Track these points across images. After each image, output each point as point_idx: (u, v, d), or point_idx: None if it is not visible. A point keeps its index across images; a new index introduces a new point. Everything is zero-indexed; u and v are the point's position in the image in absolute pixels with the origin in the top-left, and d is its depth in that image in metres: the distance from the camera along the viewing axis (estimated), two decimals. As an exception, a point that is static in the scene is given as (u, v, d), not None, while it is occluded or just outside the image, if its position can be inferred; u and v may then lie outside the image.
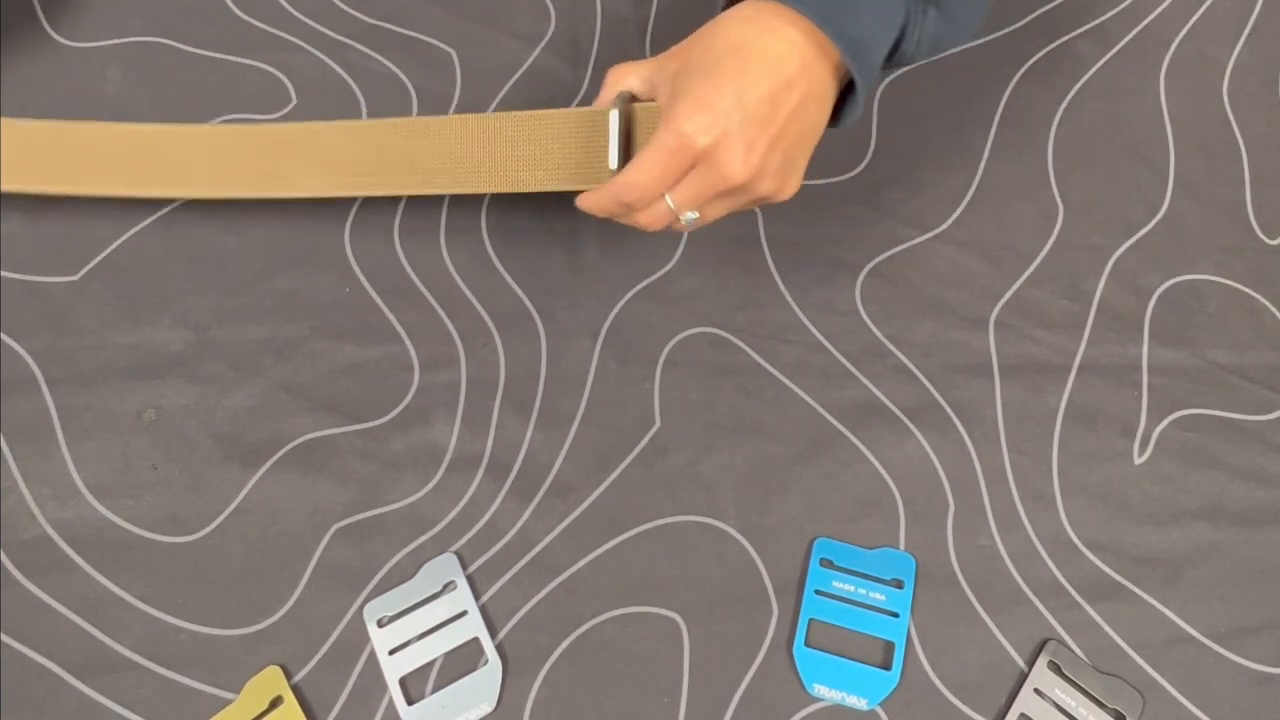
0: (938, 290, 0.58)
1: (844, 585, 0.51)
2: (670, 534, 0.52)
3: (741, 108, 0.41)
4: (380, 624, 0.50)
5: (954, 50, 0.65)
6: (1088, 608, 0.51)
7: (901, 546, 0.52)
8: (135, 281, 0.57)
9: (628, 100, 0.47)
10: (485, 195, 0.60)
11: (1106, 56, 0.66)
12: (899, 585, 0.51)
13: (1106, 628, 0.51)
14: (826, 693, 0.49)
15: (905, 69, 0.64)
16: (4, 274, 0.57)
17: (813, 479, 0.54)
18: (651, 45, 0.65)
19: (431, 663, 0.49)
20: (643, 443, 0.54)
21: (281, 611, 0.50)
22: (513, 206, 0.60)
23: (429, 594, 0.51)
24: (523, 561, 0.52)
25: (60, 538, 0.51)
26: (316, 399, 0.55)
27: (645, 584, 0.51)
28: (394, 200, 0.60)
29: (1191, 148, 0.63)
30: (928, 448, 0.54)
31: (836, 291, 0.58)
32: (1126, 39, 0.66)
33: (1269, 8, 0.68)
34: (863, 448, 0.54)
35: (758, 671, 0.50)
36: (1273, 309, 0.58)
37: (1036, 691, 0.49)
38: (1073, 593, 0.51)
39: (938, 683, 0.49)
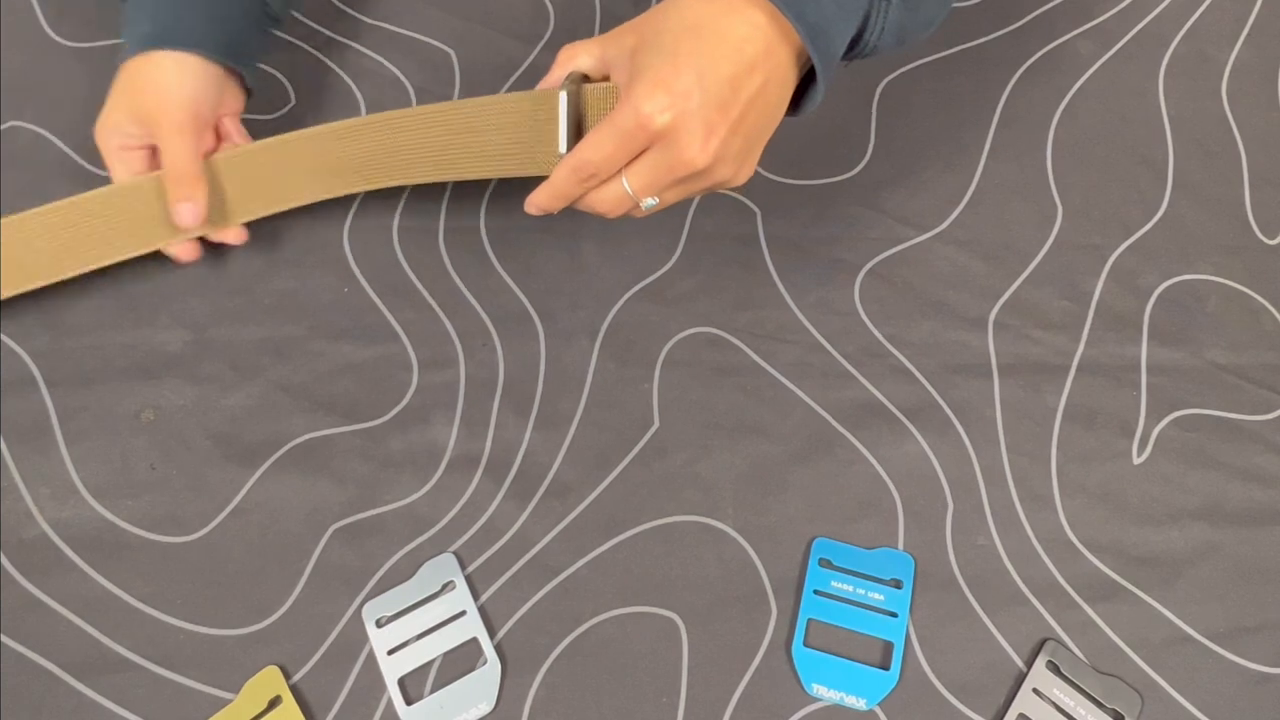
0: (937, 290, 0.58)
1: (843, 585, 0.51)
2: (669, 534, 0.52)
3: (702, 89, 0.40)
4: (379, 624, 0.50)
5: (951, 51, 0.65)
6: (1086, 608, 0.51)
7: (900, 546, 0.52)
8: (134, 281, 0.57)
9: (579, 81, 0.45)
10: (485, 195, 0.60)
11: (1106, 56, 0.66)
12: (898, 585, 0.51)
13: (1105, 628, 0.51)
14: (825, 693, 0.49)
15: (883, 64, 0.64)
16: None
17: (811, 479, 0.54)
18: (650, 45, 0.65)
19: (430, 663, 0.49)
20: (642, 443, 0.54)
21: (280, 611, 0.50)
22: (512, 206, 0.60)
23: (428, 594, 0.51)
24: (521, 561, 0.52)
25: (59, 538, 0.51)
26: (315, 399, 0.55)
27: (644, 584, 0.51)
28: (393, 200, 0.60)
29: (1191, 147, 0.63)
30: (926, 448, 0.54)
31: (835, 291, 0.58)
32: (1126, 39, 0.66)
33: (1268, 8, 0.68)
34: (862, 448, 0.54)
35: (756, 671, 0.50)
36: (1272, 309, 0.58)
37: (1035, 691, 0.49)
38: (1071, 593, 0.51)
39: (936, 683, 0.49)
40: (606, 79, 0.46)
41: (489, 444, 0.54)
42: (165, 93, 0.51)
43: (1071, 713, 0.48)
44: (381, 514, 0.53)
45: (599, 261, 0.59)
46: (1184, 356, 0.57)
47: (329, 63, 0.64)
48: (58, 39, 0.63)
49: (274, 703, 0.48)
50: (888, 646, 0.50)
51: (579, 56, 0.46)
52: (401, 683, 0.49)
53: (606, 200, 0.45)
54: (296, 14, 0.65)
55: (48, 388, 0.55)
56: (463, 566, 0.51)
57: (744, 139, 0.43)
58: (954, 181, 0.62)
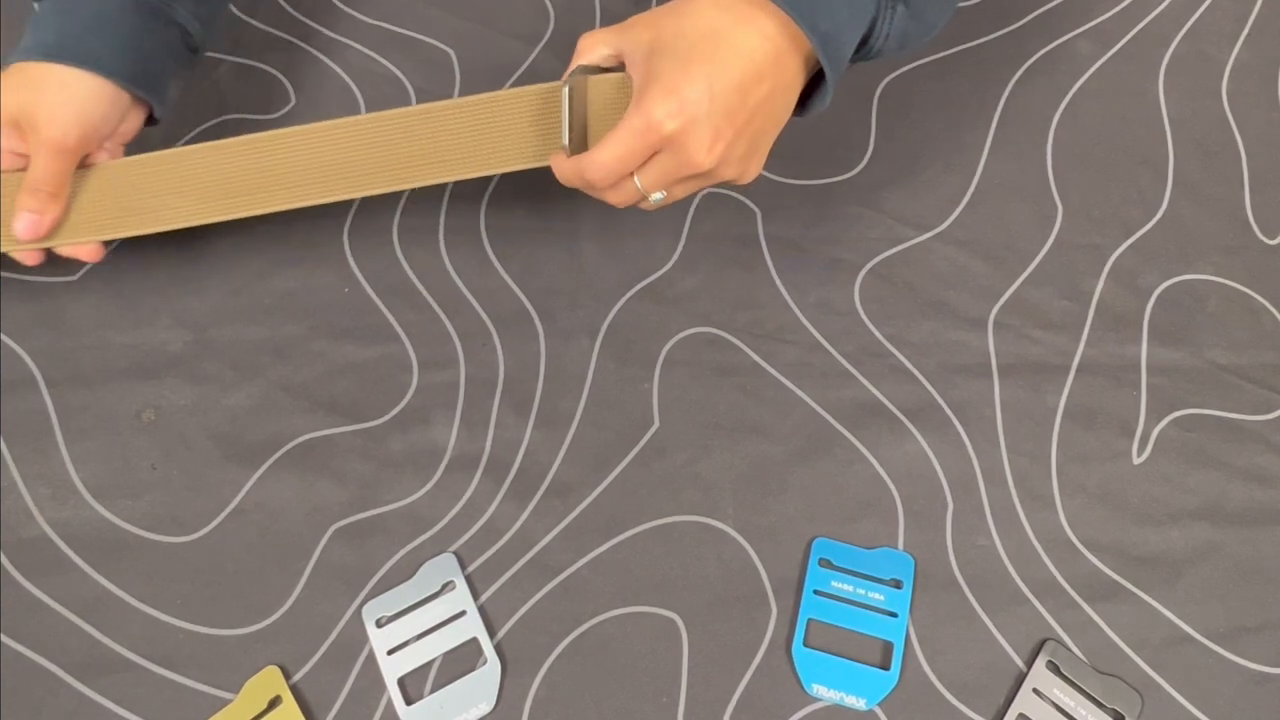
0: (937, 290, 0.58)
1: (843, 585, 0.51)
2: (669, 534, 0.52)
3: (711, 97, 0.42)
4: (379, 624, 0.50)
5: (951, 51, 0.65)
6: (1086, 608, 0.51)
7: (900, 546, 0.52)
8: (134, 281, 0.57)
9: (592, 71, 0.47)
10: (485, 195, 0.60)
11: (1106, 56, 0.66)
12: (898, 585, 0.51)
13: (1105, 628, 0.51)
14: (825, 693, 0.49)
15: (883, 66, 0.64)
16: (4, 274, 0.57)
17: (811, 479, 0.54)
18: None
19: (430, 663, 0.49)
20: (642, 443, 0.54)
21: (280, 611, 0.50)
22: (512, 206, 0.60)
23: (428, 594, 0.51)
24: (521, 561, 0.52)
25: (59, 538, 0.51)
26: (315, 399, 0.55)
27: (644, 584, 0.51)
28: (393, 201, 0.60)
29: (1191, 148, 0.63)
30: (926, 448, 0.54)
31: (835, 291, 0.58)
32: (1126, 39, 0.66)
33: (1268, 8, 0.68)
34: (861, 448, 0.54)
35: (756, 671, 0.50)
36: (1272, 309, 0.58)
37: (1035, 691, 0.49)
38: (1071, 593, 0.51)
39: (936, 683, 0.49)
40: (619, 67, 0.47)
41: (489, 444, 0.54)
42: (57, 108, 0.49)
43: (1072, 713, 0.48)
44: (382, 514, 0.53)
45: (599, 261, 0.59)
46: (1184, 356, 0.57)
47: (329, 63, 0.64)
48: (58, 39, 0.63)
49: (274, 703, 0.48)
50: (888, 646, 0.50)
51: (597, 48, 0.47)
52: (401, 683, 0.49)
53: (616, 192, 0.47)
54: (297, 14, 0.65)
55: (48, 388, 0.55)
56: (463, 566, 0.51)
57: (749, 143, 0.45)
58: (954, 181, 0.62)
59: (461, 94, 0.63)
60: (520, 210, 0.60)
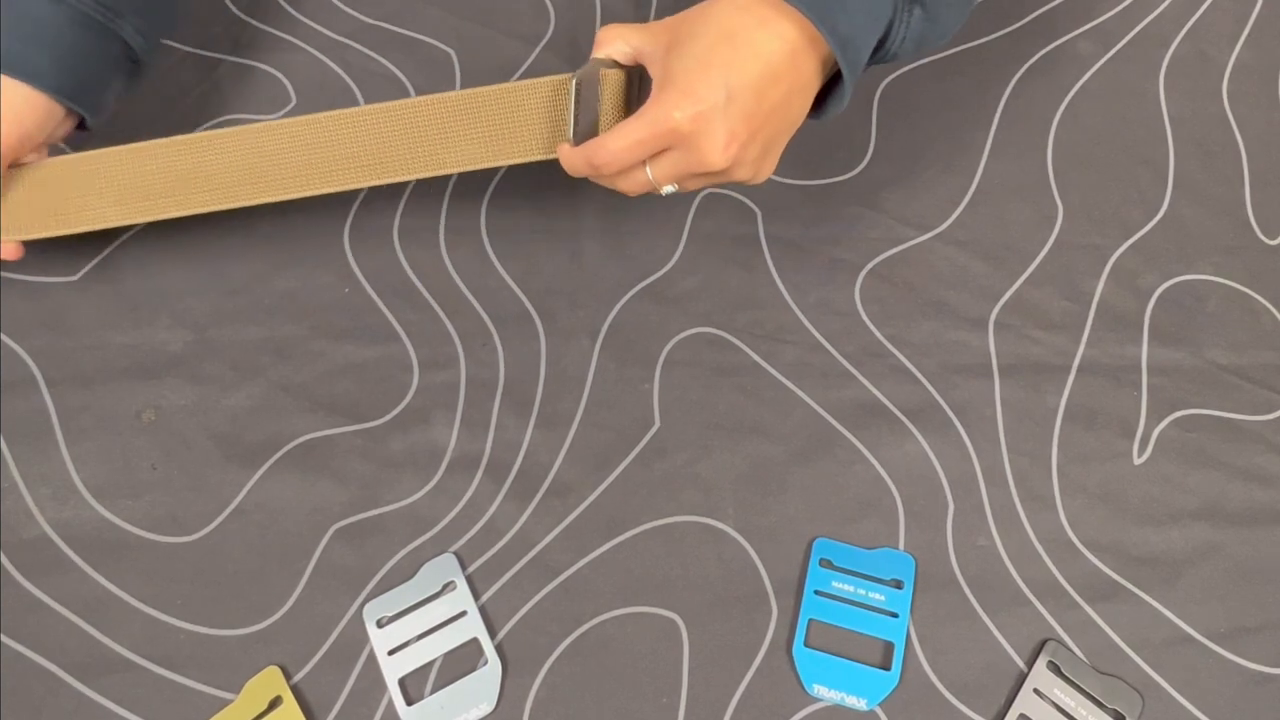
0: (937, 290, 0.58)
1: (843, 585, 0.51)
2: (669, 534, 0.52)
3: (729, 99, 0.43)
4: (380, 624, 0.50)
5: (951, 51, 0.65)
6: (1087, 608, 0.51)
7: (901, 547, 0.52)
8: (134, 281, 0.57)
9: (607, 65, 0.47)
10: (485, 195, 0.60)
11: (1106, 56, 0.66)
12: (898, 585, 0.51)
13: (1106, 628, 0.51)
14: (826, 693, 0.49)
15: (884, 66, 0.64)
16: (4, 274, 0.57)
17: (812, 479, 0.54)
18: (651, 45, 0.65)
19: (431, 663, 0.49)
20: (642, 443, 0.54)
21: (281, 612, 0.50)
22: (512, 206, 0.60)
23: (428, 594, 0.51)
24: (522, 562, 0.52)
25: (59, 538, 0.51)
26: (316, 399, 0.55)
27: (644, 584, 0.51)
28: (394, 200, 0.60)
29: (1191, 148, 0.63)
30: (927, 448, 0.54)
31: (836, 291, 0.58)
32: (1126, 39, 0.66)
33: (1269, 8, 0.68)
34: (862, 448, 0.54)
35: (757, 672, 0.50)
36: (1272, 309, 0.58)
37: (1036, 692, 0.49)
38: (1072, 593, 0.51)
39: (937, 683, 0.49)
40: (638, 67, 0.48)
41: (489, 444, 0.54)
42: None
43: (1072, 713, 0.48)
44: (382, 514, 0.53)
45: (599, 261, 0.59)
46: (1184, 357, 0.57)
47: (329, 63, 0.64)
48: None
49: (274, 703, 0.48)
50: (888, 647, 0.50)
51: (616, 43, 0.47)
52: (402, 683, 0.49)
53: (629, 181, 0.47)
54: (296, 14, 0.65)
55: (48, 388, 0.55)
56: (463, 567, 0.51)
57: (763, 145, 0.45)
58: (954, 181, 0.62)
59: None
60: (521, 210, 0.60)
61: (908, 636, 0.50)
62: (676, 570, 0.52)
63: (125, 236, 0.58)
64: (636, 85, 0.50)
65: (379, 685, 0.49)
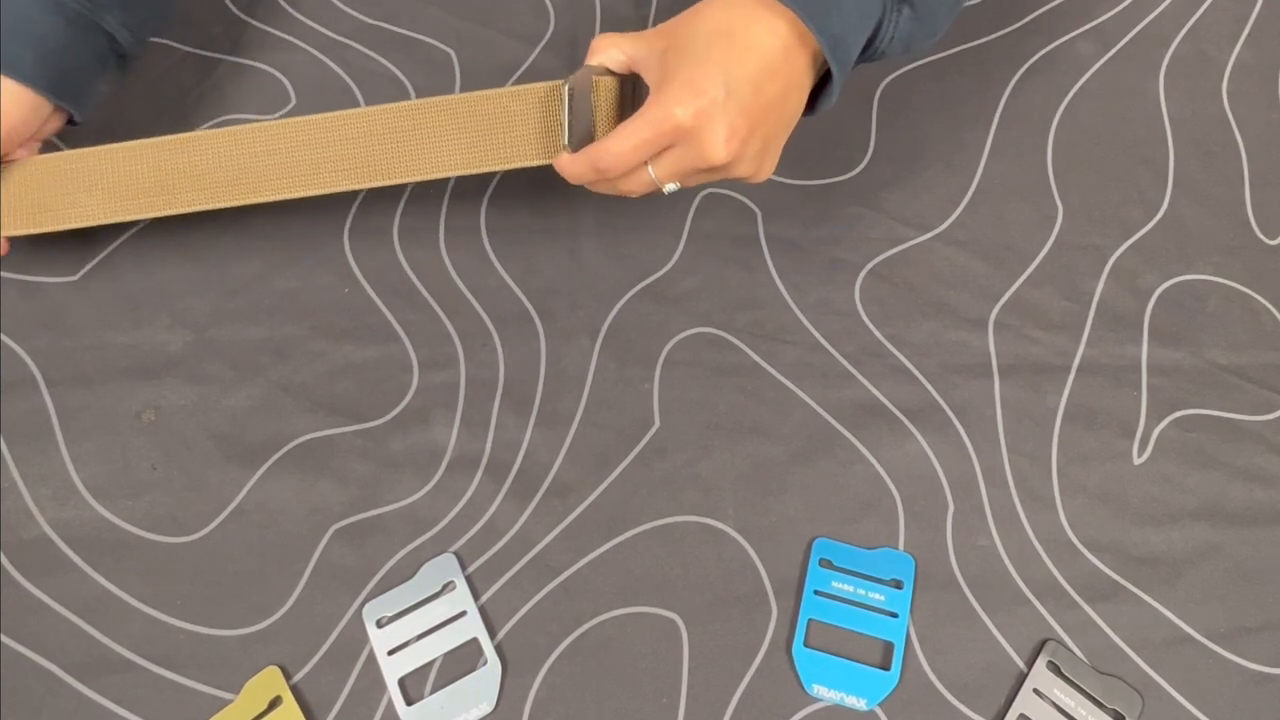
0: (937, 290, 0.58)
1: (843, 585, 0.51)
2: (669, 534, 0.52)
3: (728, 92, 0.43)
4: (379, 624, 0.50)
5: (952, 51, 0.65)
6: (1087, 608, 0.51)
7: (901, 547, 0.52)
8: (134, 281, 0.57)
9: (600, 73, 0.47)
10: (485, 195, 0.60)
11: (1106, 56, 0.66)
12: (898, 585, 0.51)
13: (1105, 628, 0.51)
14: (826, 693, 0.49)
15: (884, 67, 0.64)
16: (4, 274, 0.57)
17: (812, 479, 0.54)
18: (651, 45, 0.65)
19: (431, 663, 0.49)
20: (642, 443, 0.54)
21: (280, 612, 0.50)
22: (512, 206, 0.60)
23: (428, 594, 0.51)
24: (522, 562, 0.52)
25: (59, 538, 0.51)
26: (316, 399, 0.55)
27: (644, 584, 0.51)
28: (393, 200, 0.60)
29: (1191, 148, 0.63)
30: (927, 448, 0.54)
31: (836, 292, 0.58)
32: (1126, 39, 0.66)
33: (1269, 8, 0.68)
34: (862, 448, 0.54)
35: (757, 672, 0.50)
36: (1272, 309, 0.58)
37: (1036, 692, 0.49)
38: (1072, 593, 0.51)
39: (937, 683, 0.49)
40: (632, 76, 0.48)
41: (489, 444, 0.54)
42: None
43: (1072, 713, 0.48)
44: (382, 514, 0.53)
45: (599, 261, 0.59)
46: (1184, 357, 0.57)
47: (329, 63, 0.64)
48: (58, 39, 0.63)
49: (274, 703, 0.48)
50: (888, 647, 0.50)
51: (610, 50, 0.47)
52: (402, 683, 0.49)
53: (631, 182, 0.47)
54: (296, 14, 0.65)
55: (48, 388, 0.55)
56: (463, 567, 0.51)
57: (762, 140, 0.45)
58: (954, 181, 0.62)
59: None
60: (520, 210, 0.60)
61: (907, 636, 0.50)
62: (676, 570, 0.52)
63: (125, 236, 0.58)
64: (630, 93, 0.50)
65: (379, 685, 0.49)
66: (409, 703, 0.49)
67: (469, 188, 0.60)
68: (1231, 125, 0.64)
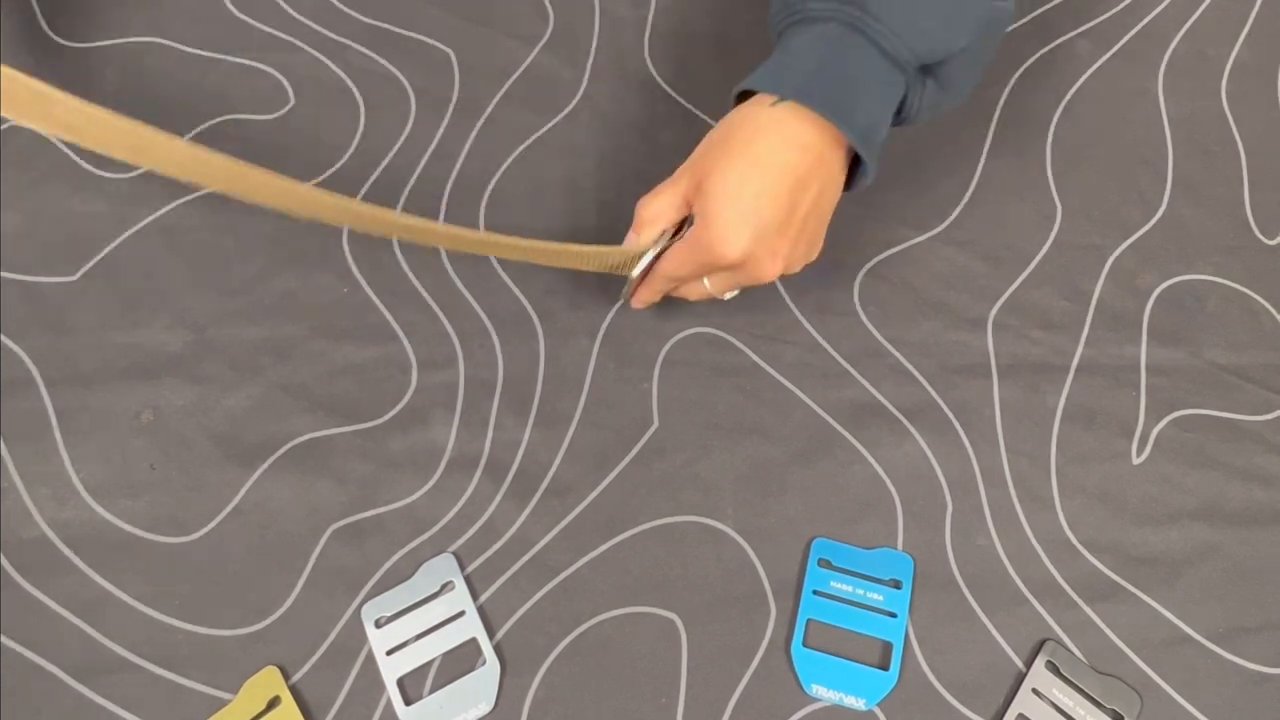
0: (936, 291, 0.58)
1: (842, 585, 0.51)
2: (668, 534, 0.52)
3: (766, 223, 0.45)
4: (378, 624, 0.50)
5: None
6: (1086, 608, 0.51)
7: (900, 547, 0.52)
8: (133, 282, 0.57)
9: (669, 239, 0.49)
10: (484, 194, 0.60)
11: (1105, 56, 0.66)
12: (897, 585, 0.51)
13: (1104, 628, 0.51)
14: (824, 693, 0.49)
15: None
16: (3, 274, 0.57)
17: (811, 479, 0.54)
18: (650, 45, 0.65)
19: (429, 663, 0.49)
20: (641, 443, 0.54)
21: (279, 612, 0.50)
22: (512, 206, 0.60)
23: (427, 594, 0.51)
24: (521, 562, 0.52)
25: (58, 538, 0.51)
26: (315, 399, 0.55)
27: (643, 584, 0.51)
28: (393, 201, 0.60)
29: (1190, 148, 0.63)
30: (926, 448, 0.54)
31: (835, 292, 0.58)
32: (1125, 39, 0.66)
33: (1268, 8, 0.68)
34: (861, 448, 0.54)
35: (756, 672, 0.50)
36: (1271, 309, 0.58)
37: (1034, 692, 0.49)
38: (1071, 593, 0.51)
39: (936, 683, 0.49)
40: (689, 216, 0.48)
41: (488, 444, 0.54)
42: None
43: (1071, 713, 0.48)
44: (381, 514, 0.53)
45: (598, 262, 0.59)
46: (1184, 357, 0.57)
47: (329, 63, 0.64)
48: (58, 39, 0.63)
49: (273, 703, 0.48)
50: (887, 647, 0.50)
51: (660, 221, 0.48)
52: (401, 683, 0.49)
53: (691, 293, 0.51)
54: (295, 14, 0.65)
55: (48, 388, 0.55)
56: (462, 567, 0.51)
57: (807, 242, 0.48)
58: (954, 182, 0.62)
59: (461, 93, 0.63)
60: (520, 210, 0.60)
61: (906, 636, 0.50)
62: (675, 570, 0.52)
63: (125, 236, 0.58)
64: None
65: (377, 685, 0.49)
66: (408, 703, 0.49)
67: (468, 188, 0.60)
68: (1231, 125, 0.64)
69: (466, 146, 0.62)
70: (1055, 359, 0.57)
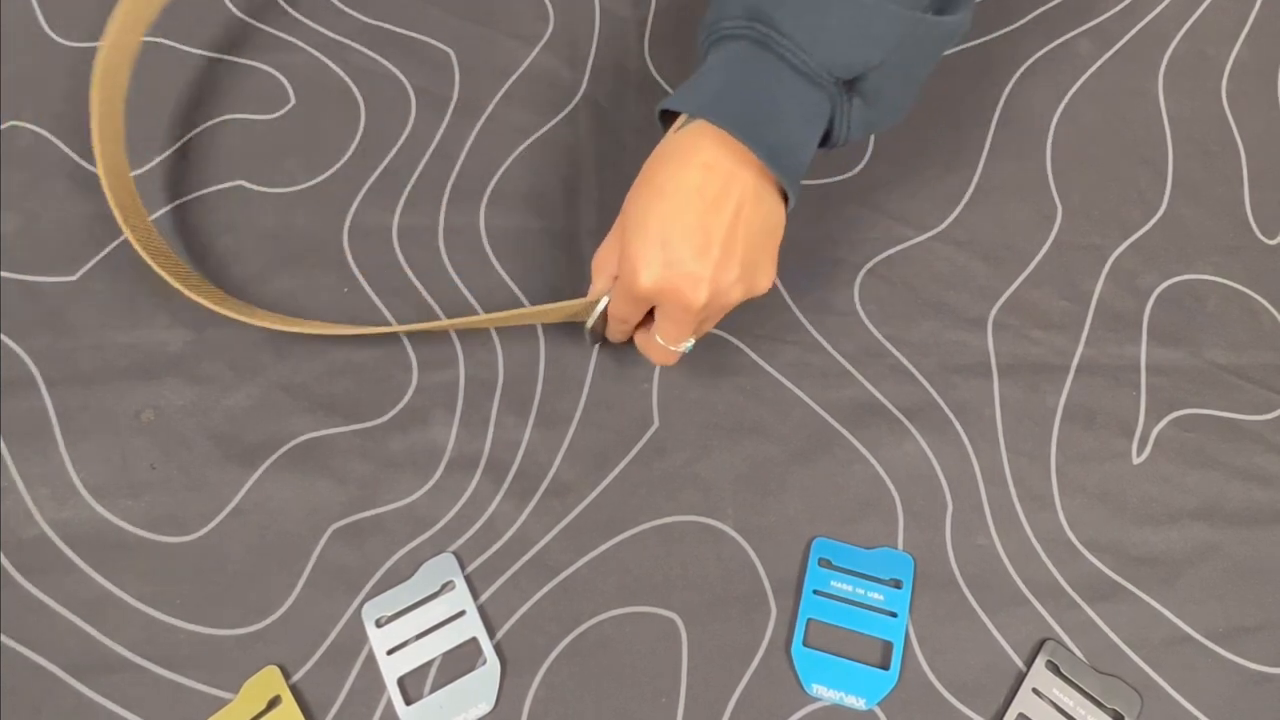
0: (936, 290, 0.58)
1: (842, 585, 0.51)
2: (668, 534, 0.52)
3: (672, 251, 0.43)
4: (378, 624, 0.50)
5: (951, 51, 0.65)
6: (1086, 608, 0.51)
7: (900, 546, 0.52)
8: (133, 281, 0.57)
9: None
10: (484, 195, 0.60)
11: (1106, 56, 0.66)
12: (897, 585, 0.51)
13: (1105, 628, 0.51)
14: (825, 692, 0.49)
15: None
16: (3, 274, 0.57)
17: (811, 479, 0.54)
18: (650, 45, 0.65)
19: (430, 663, 0.49)
20: (641, 443, 0.54)
21: (280, 611, 0.50)
22: (512, 206, 0.60)
23: (427, 594, 0.51)
24: (521, 561, 0.52)
25: (59, 538, 0.51)
26: (315, 399, 0.55)
27: (643, 584, 0.51)
28: (393, 201, 0.60)
29: (1190, 148, 0.63)
30: (926, 448, 0.54)
31: (835, 291, 0.58)
32: (1126, 38, 0.66)
33: (1268, 7, 0.68)
34: (861, 448, 0.54)
35: (756, 671, 0.50)
36: (1271, 309, 0.58)
37: (1035, 691, 0.49)
38: (1071, 593, 0.51)
39: (936, 683, 0.49)
40: None
41: (488, 444, 0.54)
42: None
43: (1071, 713, 0.48)
44: (381, 514, 0.53)
45: (598, 261, 0.59)
46: (1184, 356, 0.57)
47: (329, 63, 0.64)
48: (58, 39, 0.63)
49: (273, 703, 0.48)
50: (887, 646, 0.50)
51: (608, 259, 0.48)
52: (401, 682, 0.49)
53: (652, 352, 0.50)
54: (295, 14, 0.65)
55: (48, 388, 0.55)
56: (462, 566, 0.51)
57: (740, 262, 0.44)
58: (954, 181, 0.62)
59: (461, 93, 0.63)
60: (520, 210, 0.60)
61: (906, 636, 0.50)
62: (675, 570, 0.52)
63: (125, 236, 0.58)
64: None
65: (378, 685, 0.49)
66: (408, 702, 0.49)
67: (468, 188, 0.60)
68: (1231, 125, 0.64)
69: (466, 146, 0.62)
70: (1055, 359, 0.57)
